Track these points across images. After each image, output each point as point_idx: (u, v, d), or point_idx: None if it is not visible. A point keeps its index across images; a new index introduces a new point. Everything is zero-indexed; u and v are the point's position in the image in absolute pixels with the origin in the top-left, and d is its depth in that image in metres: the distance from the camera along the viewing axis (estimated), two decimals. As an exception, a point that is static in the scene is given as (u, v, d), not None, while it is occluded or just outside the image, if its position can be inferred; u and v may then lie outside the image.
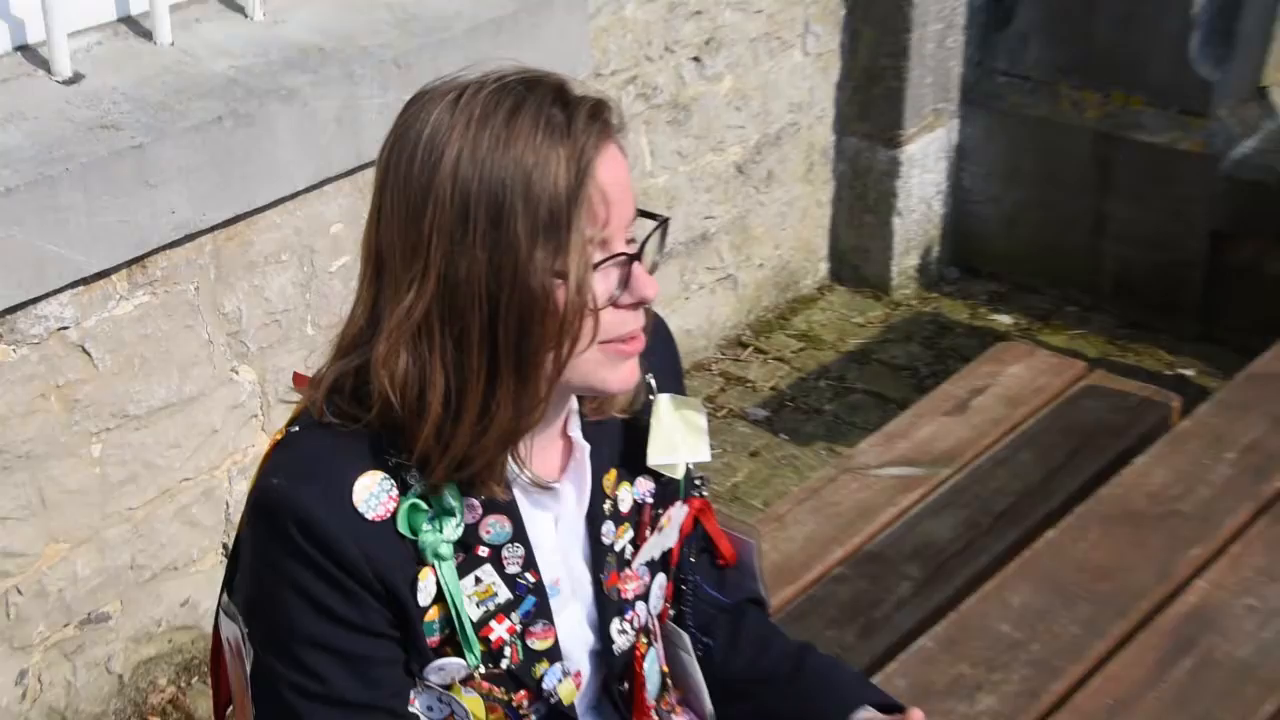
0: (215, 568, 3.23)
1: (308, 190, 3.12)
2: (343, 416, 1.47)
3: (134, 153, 2.74)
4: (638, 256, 1.46)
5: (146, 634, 3.14)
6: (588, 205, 1.40)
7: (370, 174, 3.30)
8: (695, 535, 1.79)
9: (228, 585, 1.61)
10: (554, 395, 1.48)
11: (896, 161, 4.66)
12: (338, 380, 1.48)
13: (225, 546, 3.25)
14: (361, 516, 1.45)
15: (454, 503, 1.49)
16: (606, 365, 1.48)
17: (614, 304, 1.45)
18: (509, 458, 1.50)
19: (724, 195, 4.48)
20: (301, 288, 3.21)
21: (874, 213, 4.77)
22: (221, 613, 1.62)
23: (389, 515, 1.46)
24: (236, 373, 3.14)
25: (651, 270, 1.49)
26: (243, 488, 3.23)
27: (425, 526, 1.47)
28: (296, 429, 1.50)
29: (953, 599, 2.44)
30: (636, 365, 1.52)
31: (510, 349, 1.40)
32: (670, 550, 1.75)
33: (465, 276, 1.38)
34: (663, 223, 1.50)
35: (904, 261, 4.85)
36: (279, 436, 1.52)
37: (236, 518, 3.31)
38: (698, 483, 1.78)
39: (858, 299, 4.89)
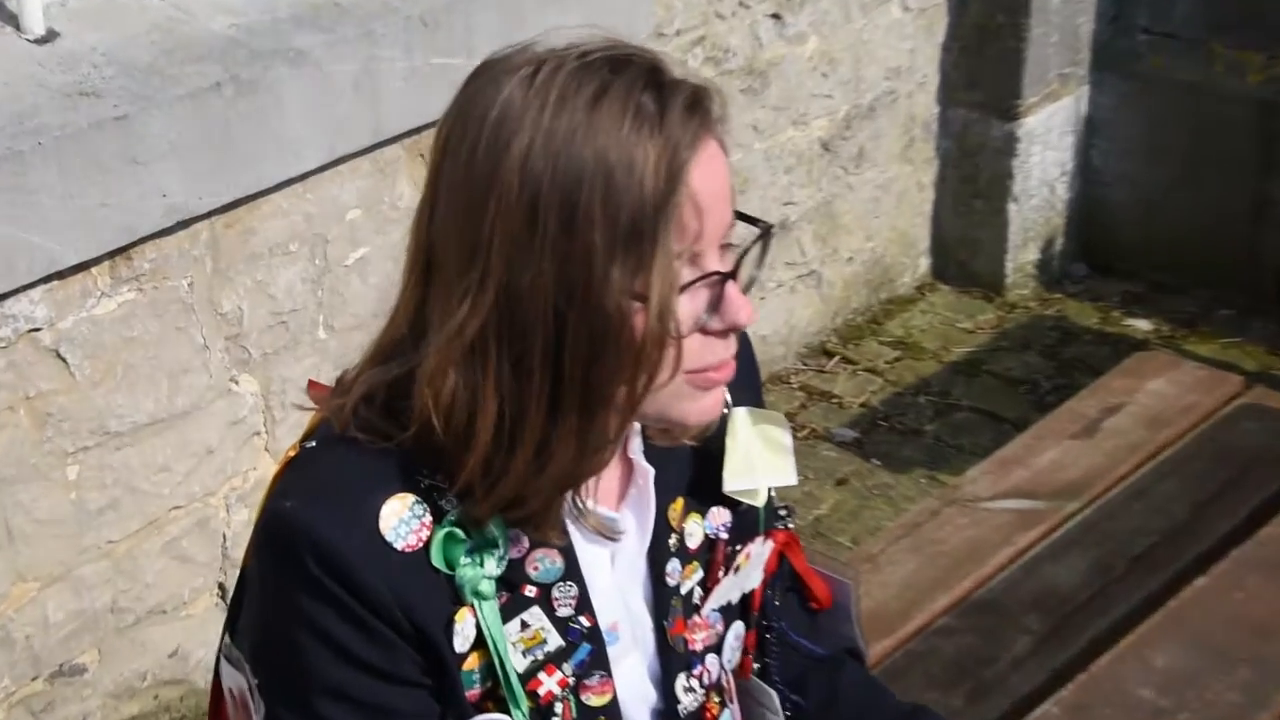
0: (210, 611, 3.24)
1: (320, 170, 3.12)
2: (370, 432, 1.46)
3: (117, 125, 2.75)
4: (733, 275, 1.44)
5: (129, 689, 3.15)
6: (678, 215, 1.37)
7: (393, 151, 3.34)
8: (781, 574, 1.78)
9: (230, 627, 1.60)
10: (626, 434, 1.47)
11: (1013, 137, 4.63)
12: (370, 390, 1.48)
13: (221, 587, 3.26)
14: (389, 546, 1.44)
15: (497, 533, 1.48)
16: (687, 397, 1.47)
17: (701, 329, 1.43)
18: (568, 498, 1.50)
19: (807, 177, 4.45)
20: (312, 284, 3.22)
21: (985, 198, 4.74)
22: (223, 659, 1.61)
23: (421, 545, 1.45)
24: (236, 383, 3.15)
25: (747, 288, 1.47)
26: (243, 517, 3.24)
27: (463, 559, 1.47)
28: (313, 444, 1.50)
29: (1081, 658, 2.40)
30: (722, 394, 1.51)
31: (577, 378, 1.39)
32: (751, 594, 1.73)
33: (529, 290, 1.37)
34: (766, 232, 1.48)
35: (1021, 256, 4.81)
36: (292, 453, 1.52)
37: (235, 552, 3.34)
38: (782, 513, 1.77)
39: (965, 300, 4.86)
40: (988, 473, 2.87)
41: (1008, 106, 4.61)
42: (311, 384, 1.60)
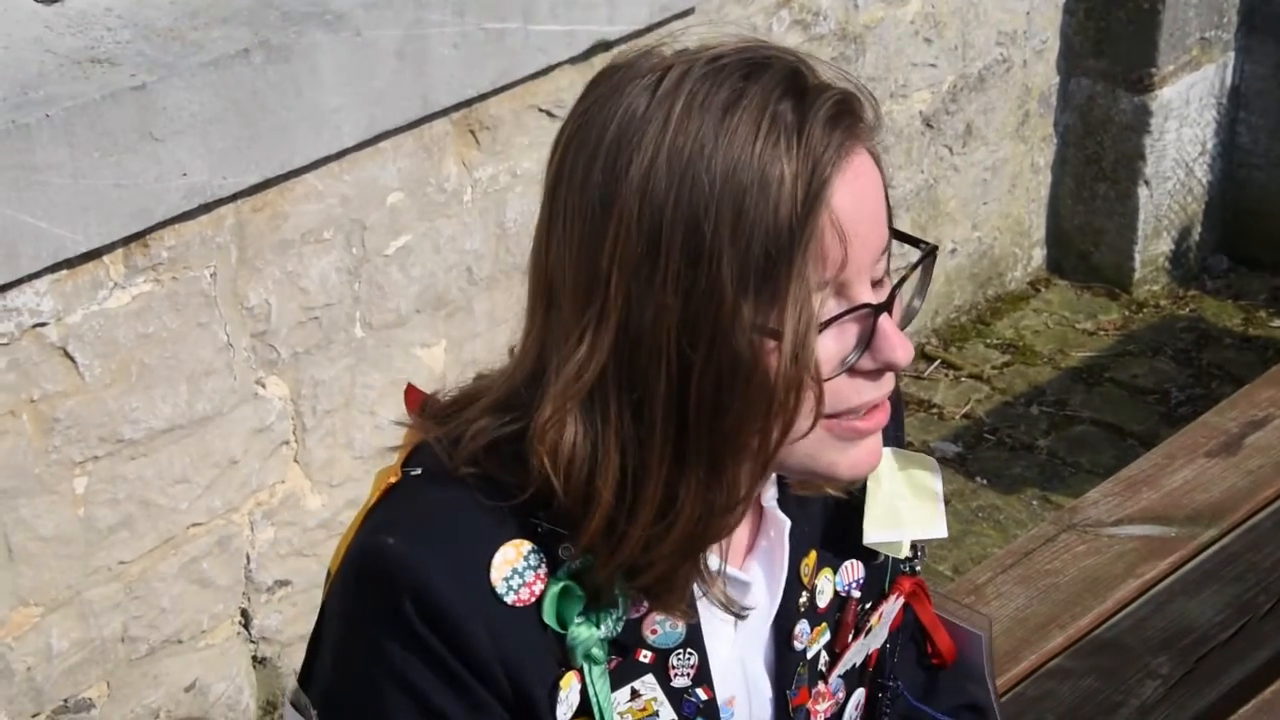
0: (231, 641, 3.27)
1: (358, 147, 3.14)
2: (488, 485, 1.46)
3: (134, 95, 2.78)
4: (887, 307, 1.42)
5: (141, 726, 3.19)
6: (818, 243, 1.36)
7: (440, 126, 3.37)
8: (904, 626, 1.77)
9: (305, 673, 1.60)
10: (759, 490, 1.46)
11: (1146, 111, 4.61)
12: (490, 442, 1.47)
13: (244, 613, 3.29)
14: (499, 599, 1.44)
15: (616, 590, 1.48)
16: (833, 448, 1.45)
17: (849, 369, 1.42)
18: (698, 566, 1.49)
19: (906, 157, 4.45)
20: (349, 275, 3.24)
21: (1112, 181, 4.72)
22: (290, 707, 1.62)
23: (533, 600, 1.46)
24: (263, 386, 3.18)
25: (906, 321, 1.46)
26: (268, 536, 3.27)
27: (577, 619, 1.47)
28: (418, 473, 1.50)
29: (1219, 706, 2.39)
30: (879, 443, 1.49)
31: (704, 427, 1.39)
32: (871, 653, 1.73)
33: (651, 328, 1.36)
34: (929, 253, 1.47)
35: (1152, 248, 4.78)
36: (393, 479, 1.52)
37: (260, 575, 3.37)
38: (910, 554, 1.74)
39: (1085, 297, 4.84)
40: (1111, 494, 2.85)
41: (1139, 76, 4.58)
42: (411, 391, 1.59)
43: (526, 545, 1.46)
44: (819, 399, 1.40)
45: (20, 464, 2.87)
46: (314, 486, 3.29)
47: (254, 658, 3.33)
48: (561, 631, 1.47)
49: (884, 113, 4.62)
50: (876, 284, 1.42)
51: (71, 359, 2.89)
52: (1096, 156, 4.73)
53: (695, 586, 1.51)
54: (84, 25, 2.91)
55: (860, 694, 1.73)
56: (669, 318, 1.36)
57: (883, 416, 1.47)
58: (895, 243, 1.47)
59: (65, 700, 3.06)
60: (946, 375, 4.59)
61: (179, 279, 2.99)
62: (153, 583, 3.11)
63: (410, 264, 3.33)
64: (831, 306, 1.40)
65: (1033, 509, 4.05)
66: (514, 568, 1.45)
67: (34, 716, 3.03)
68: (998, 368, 4.61)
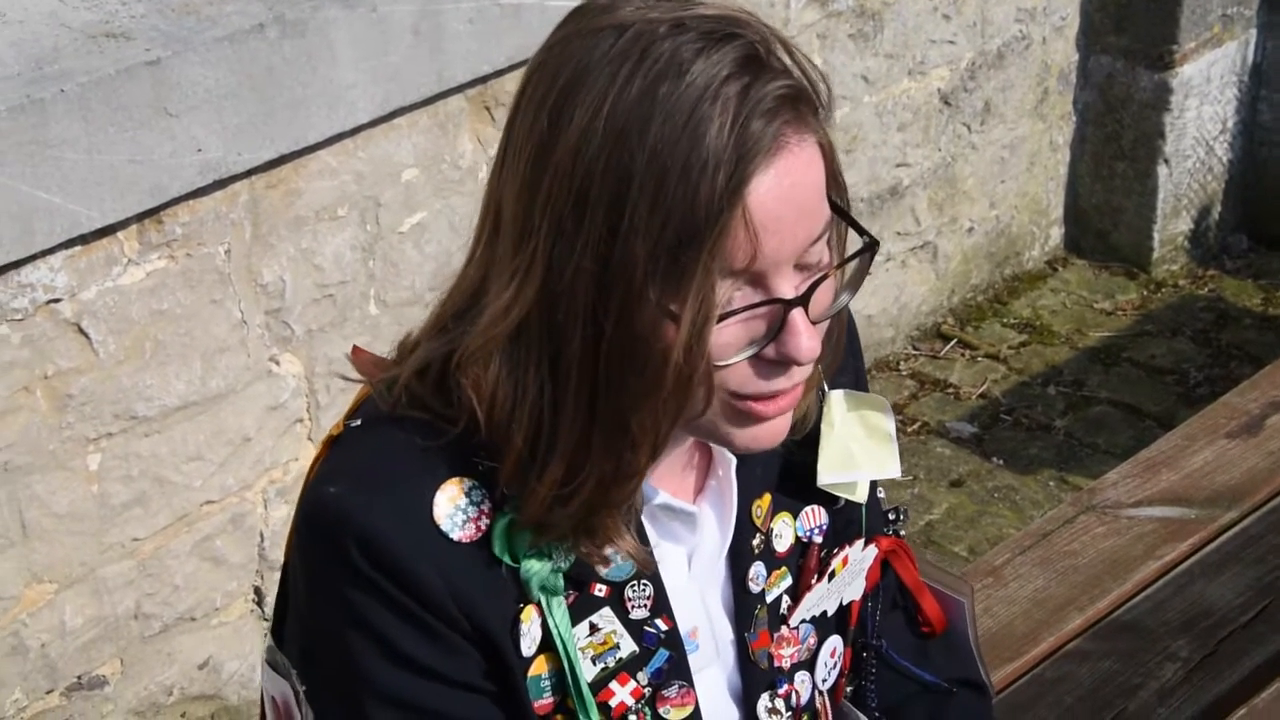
0: (245, 619, 3.28)
1: (373, 124, 3.15)
2: (420, 409, 1.48)
3: (148, 70, 2.79)
4: (800, 301, 1.41)
5: (153, 704, 3.20)
6: (729, 237, 1.34)
7: (455, 103, 3.36)
8: (885, 586, 1.78)
9: (276, 630, 1.62)
10: (655, 463, 1.46)
11: (1166, 88, 4.60)
12: (424, 363, 1.49)
13: (258, 591, 3.30)
14: (444, 535, 1.45)
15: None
16: (733, 422, 1.46)
17: (756, 355, 1.42)
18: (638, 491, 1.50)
19: (923, 135, 4.44)
20: (363, 252, 3.25)
21: (1131, 159, 4.71)
22: (268, 667, 1.64)
23: (480, 535, 1.47)
24: (277, 363, 3.19)
25: (828, 314, 1.44)
26: (282, 514, 3.28)
27: (529, 551, 1.48)
28: (358, 423, 1.52)
29: (1240, 689, 2.40)
30: (783, 423, 1.49)
31: (612, 393, 1.40)
32: (849, 606, 1.74)
33: (569, 287, 1.37)
34: (867, 248, 1.45)
35: (1171, 226, 4.77)
36: (336, 432, 1.54)
37: (273, 553, 3.38)
38: (891, 517, 1.77)
39: (1104, 277, 4.84)
40: (1130, 476, 2.85)
41: (1160, 53, 4.58)
42: (356, 351, 1.61)
43: (468, 482, 1.47)
44: (711, 387, 1.40)
45: (34, 440, 2.89)
46: (328, 464, 3.30)
47: (266, 634, 3.34)
48: (514, 565, 1.48)
49: (901, 90, 4.62)
50: (805, 268, 1.41)
51: (85, 335, 2.90)
52: (1116, 135, 4.72)
53: (626, 534, 1.52)
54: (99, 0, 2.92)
55: (836, 644, 1.72)
56: (586, 280, 1.36)
57: (787, 403, 1.46)
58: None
59: (79, 677, 3.08)
60: (963, 355, 4.59)
61: (193, 255, 3.00)
62: (166, 560, 3.13)
63: (425, 241, 3.34)
64: (746, 295, 1.39)
65: (1050, 490, 4.06)
66: (457, 505, 1.46)
67: (48, 693, 3.05)
68: (1015, 347, 4.61)
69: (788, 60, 1.38)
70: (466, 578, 1.46)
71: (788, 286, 1.39)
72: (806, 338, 1.41)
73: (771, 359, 1.42)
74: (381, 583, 1.44)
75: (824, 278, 1.42)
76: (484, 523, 1.47)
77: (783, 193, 1.35)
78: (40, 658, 3.01)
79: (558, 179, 1.36)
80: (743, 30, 1.37)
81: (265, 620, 3.33)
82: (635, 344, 1.36)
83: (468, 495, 1.47)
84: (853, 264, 1.47)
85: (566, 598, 1.51)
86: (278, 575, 3.32)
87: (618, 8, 1.40)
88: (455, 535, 1.46)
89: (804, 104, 1.38)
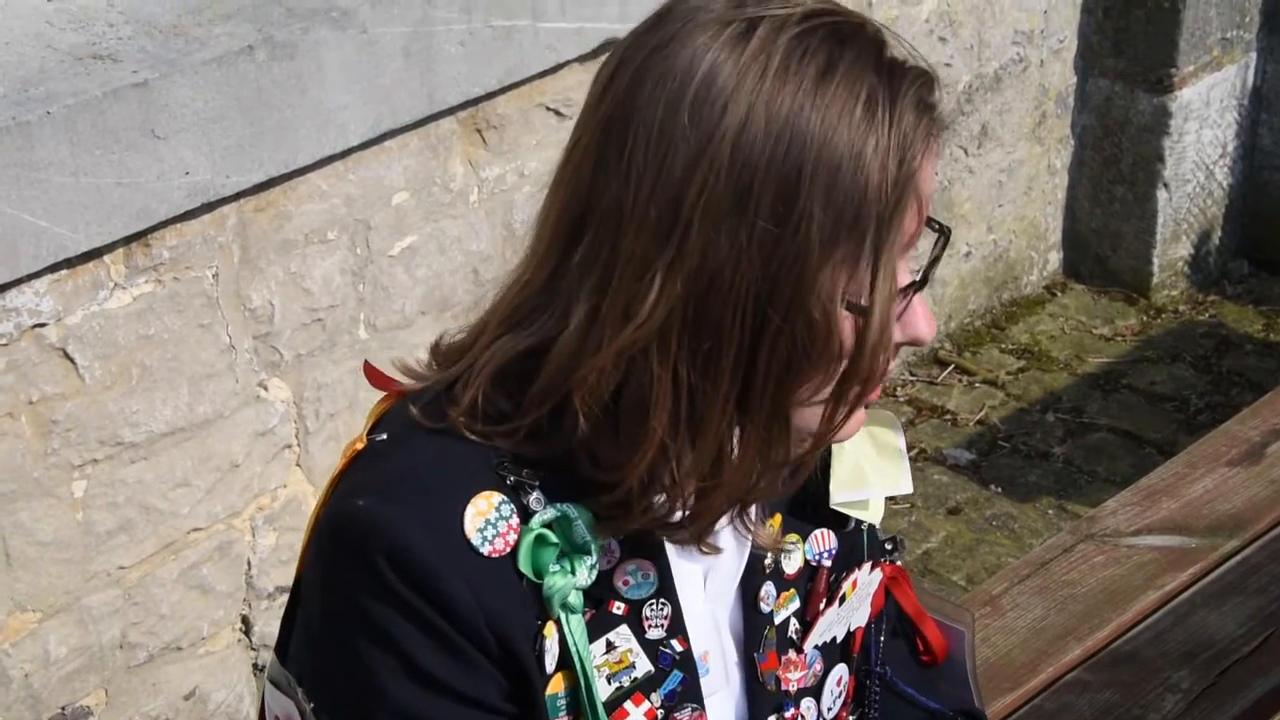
0: (232, 648, 3.27)
1: (363, 146, 3.15)
2: (490, 418, 1.47)
3: (136, 93, 2.79)
4: (922, 284, 1.48)
5: (139, 735, 3.20)
6: (904, 221, 1.42)
7: (446, 125, 3.36)
8: (887, 614, 1.79)
9: (281, 648, 1.62)
10: (819, 453, 1.50)
11: (1165, 112, 4.61)
12: (503, 364, 1.48)
13: (245, 620, 3.29)
14: (475, 550, 1.46)
15: (589, 538, 1.50)
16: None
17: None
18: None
19: (921, 157, 4.45)
20: (353, 276, 3.24)
21: (1130, 183, 4.72)
22: (271, 684, 1.63)
23: (508, 550, 1.47)
24: (265, 388, 3.19)
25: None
26: (270, 542, 3.27)
27: (553, 567, 1.48)
28: (384, 437, 1.52)
29: (1241, 721, 2.41)
30: (865, 412, 1.53)
31: (772, 383, 1.42)
32: (853, 633, 1.74)
33: (729, 282, 1.38)
34: (945, 236, 1.51)
35: (1171, 251, 4.78)
36: (359, 446, 1.54)
37: (261, 581, 3.38)
38: (888, 546, 1.77)
39: (1103, 302, 4.84)
40: (1129, 504, 2.85)
41: (1159, 76, 4.59)
42: (369, 370, 1.61)
43: (497, 496, 1.47)
44: (886, 367, 1.45)
45: (18, 467, 2.88)
46: (317, 491, 3.29)
47: (255, 665, 3.33)
48: (537, 581, 1.48)
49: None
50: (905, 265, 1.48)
51: (71, 360, 2.90)
52: (1115, 158, 4.73)
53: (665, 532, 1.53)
54: (86, 21, 2.92)
55: (842, 672, 1.73)
56: (749, 275, 1.38)
57: (879, 390, 1.51)
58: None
59: (63, 708, 3.07)
60: (960, 381, 4.58)
61: (180, 279, 3.00)
62: (152, 589, 3.12)
63: (415, 265, 3.34)
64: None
65: (1048, 518, 4.05)
66: (487, 519, 1.46)
67: (31, 724, 3.04)
68: (1013, 373, 4.60)
69: (901, 51, 1.45)
70: (495, 593, 1.46)
71: (905, 271, 1.46)
72: (928, 318, 1.49)
73: (896, 342, 1.47)
74: (409, 597, 1.44)
75: (938, 259, 1.51)
76: (511, 537, 1.48)
77: (930, 177, 1.45)
78: (23, 688, 3.00)
79: (714, 172, 1.38)
80: (862, 22, 1.45)
81: (253, 650, 3.32)
82: (812, 332, 1.40)
83: (497, 509, 1.47)
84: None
85: (585, 614, 1.51)
86: (266, 604, 3.33)
87: (714, 5, 1.43)
88: (485, 550, 1.47)
89: (936, 96, 1.46)
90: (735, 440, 1.44)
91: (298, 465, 3.27)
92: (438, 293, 3.40)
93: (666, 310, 1.40)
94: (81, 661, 3.06)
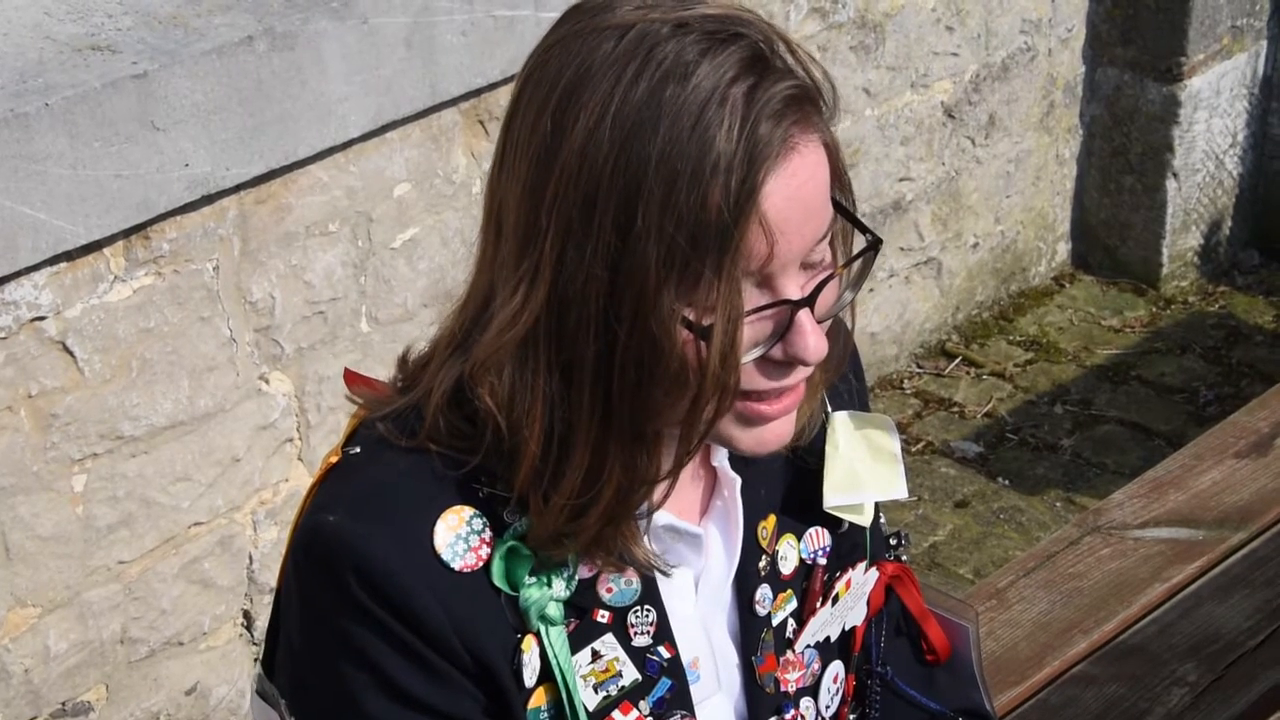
0: (233, 643, 3.28)
1: (365, 138, 3.16)
2: (454, 438, 1.47)
3: (135, 84, 2.79)
4: (808, 302, 1.42)
5: (140, 730, 3.21)
6: (745, 240, 1.36)
7: (449, 117, 3.37)
8: (889, 612, 1.79)
9: (266, 660, 1.63)
10: (685, 464, 1.47)
11: (1175, 101, 4.60)
12: (454, 384, 1.48)
13: (247, 615, 3.30)
14: (445, 565, 1.46)
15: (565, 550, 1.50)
16: (737, 424, 1.47)
17: (763, 356, 1.43)
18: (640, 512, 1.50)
19: (926, 149, 4.45)
20: (355, 269, 3.25)
21: (1139, 173, 4.71)
22: (257, 697, 1.64)
23: (481, 564, 1.47)
24: (266, 382, 3.19)
25: (831, 313, 1.46)
26: (271, 536, 3.28)
27: (528, 579, 1.48)
28: (357, 450, 1.52)
29: (1248, 715, 2.40)
30: (787, 425, 1.50)
31: (628, 399, 1.40)
32: (852, 631, 1.74)
33: (580, 293, 1.37)
34: (870, 247, 1.47)
35: (1180, 242, 4.78)
36: (334, 459, 1.54)
37: (263, 576, 3.38)
38: (893, 542, 1.77)
39: (1111, 293, 4.84)
40: (1137, 496, 2.85)
41: (1169, 65, 4.58)
42: (350, 375, 1.61)
43: (468, 510, 1.47)
44: (736, 387, 1.41)
45: (18, 461, 2.89)
46: (318, 485, 3.30)
47: (256, 660, 3.34)
48: (513, 594, 1.48)
49: (904, 103, 4.64)
50: (809, 267, 1.43)
51: (70, 353, 2.90)
52: (1123, 148, 4.72)
53: (643, 542, 1.52)
54: (84, 12, 2.93)
55: (839, 669, 1.73)
56: (597, 286, 1.37)
57: (791, 401, 1.48)
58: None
59: (63, 703, 3.07)
60: (968, 373, 4.58)
61: (180, 272, 3.00)
62: (153, 583, 3.13)
63: (417, 257, 3.34)
64: (753, 297, 1.40)
65: (1056, 511, 4.05)
66: (457, 534, 1.46)
67: (31, 719, 3.04)
68: (1020, 365, 4.60)
69: (791, 60, 1.40)
70: (467, 608, 1.46)
71: (794, 286, 1.41)
72: (814, 337, 1.42)
73: (778, 359, 1.43)
74: (379, 614, 1.45)
75: (830, 277, 1.44)
76: (484, 551, 1.48)
77: (792, 193, 1.37)
78: (23, 683, 3.01)
79: (564, 182, 1.36)
80: (746, 30, 1.39)
81: (255, 645, 3.33)
82: (655, 350, 1.37)
83: (468, 524, 1.47)
84: (855, 263, 1.48)
85: (568, 624, 1.51)
86: (267, 599, 3.33)
87: (616, 7, 1.41)
88: (456, 565, 1.47)
89: (810, 104, 1.39)
90: (606, 455, 1.42)
91: (299, 459, 3.28)
92: (440, 285, 3.40)
93: (532, 319, 1.39)
94: (82, 657, 3.07)
